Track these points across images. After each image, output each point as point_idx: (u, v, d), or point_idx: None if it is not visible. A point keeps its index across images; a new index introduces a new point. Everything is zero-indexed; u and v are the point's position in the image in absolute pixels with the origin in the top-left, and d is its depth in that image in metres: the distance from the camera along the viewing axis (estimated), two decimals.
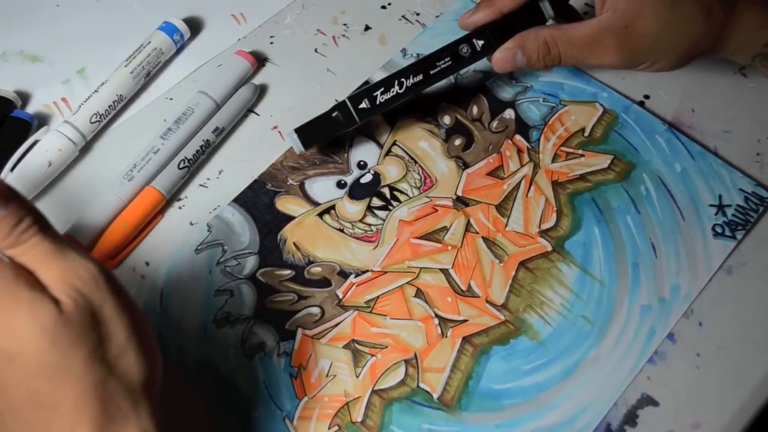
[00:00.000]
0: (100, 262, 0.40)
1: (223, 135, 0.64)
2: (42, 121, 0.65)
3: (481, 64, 0.66)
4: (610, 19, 0.58)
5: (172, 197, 0.62)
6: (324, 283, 0.59)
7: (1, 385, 0.39)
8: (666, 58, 0.59)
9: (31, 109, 0.66)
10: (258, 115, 0.66)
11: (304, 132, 0.61)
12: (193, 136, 0.63)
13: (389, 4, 0.73)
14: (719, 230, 0.61)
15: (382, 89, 0.61)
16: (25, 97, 0.66)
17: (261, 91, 0.67)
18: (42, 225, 0.39)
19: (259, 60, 0.69)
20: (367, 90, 0.61)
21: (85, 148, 0.64)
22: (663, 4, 0.57)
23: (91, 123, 0.63)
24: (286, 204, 0.62)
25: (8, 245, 0.38)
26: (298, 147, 0.61)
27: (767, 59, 0.60)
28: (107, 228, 0.59)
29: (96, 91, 0.64)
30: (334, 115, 0.61)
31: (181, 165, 0.61)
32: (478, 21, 0.61)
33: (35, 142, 0.61)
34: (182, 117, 0.63)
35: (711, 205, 0.62)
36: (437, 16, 0.72)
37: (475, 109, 0.67)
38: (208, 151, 0.63)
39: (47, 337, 0.38)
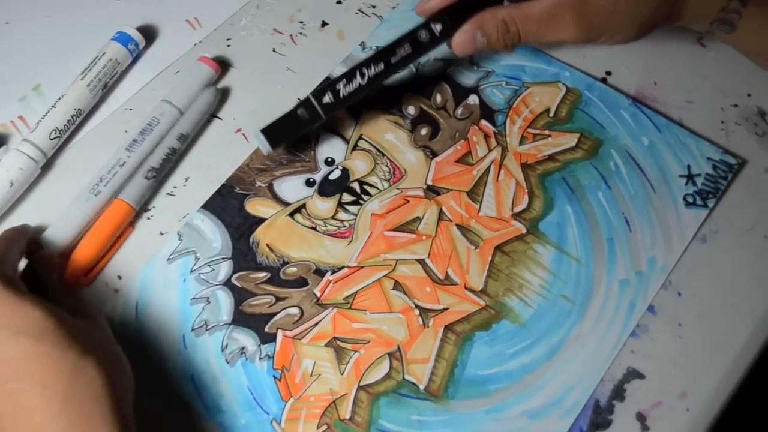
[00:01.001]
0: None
1: (187, 141, 0.63)
2: (0, 141, 0.64)
3: (440, 51, 0.66)
4: None
5: (140, 209, 0.61)
6: (301, 282, 0.58)
7: None
8: (624, 30, 0.59)
9: None
10: (221, 119, 0.66)
11: (270, 132, 0.60)
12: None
13: None
14: (690, 200, 0.62)
15: (344, 81, 0.60)
16: None
17: (222, 94, 0.66)
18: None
19: (221, 64, 0.68)
20: (329, 84, 0.60)
21: (47, 165, 0.62)
22: None
23: (51, 139, 0.61)
24: (256, 206, 0.61)
25: None
26: (266, 147, 0.60)
27: (725, 24, 0.60)
28: (75, 245, 0.58)
29: (53, 106, 0.63)
30: (298, 112, 0.60)
31: (149, 175, 0.60)
32: (434, 6, 0.61)
33: None
34: (147, 128, 0.62)
35: (680, 176, 0.63)
36: (393, 8, 0.72)
37: (438, 98, 0.67)
38: (174, 159, 0.62)
39: (51, 321, 0.43)
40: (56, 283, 0.54)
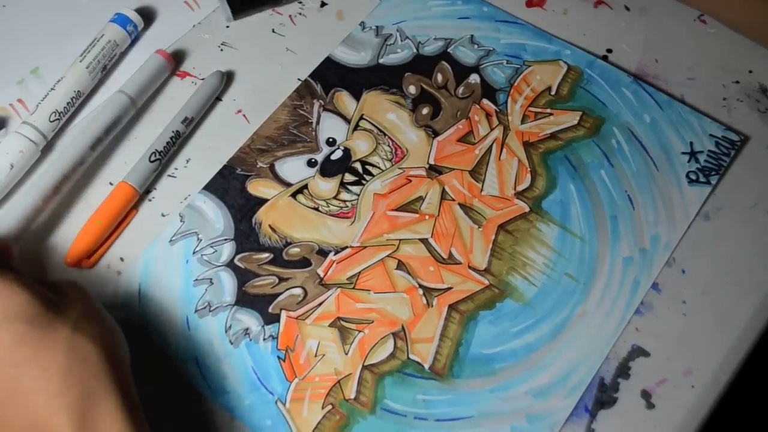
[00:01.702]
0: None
1: (192, 125, 0.62)
2: None
3: (441, 30, 0.66)
4: None
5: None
6: (304, 263, 0.58)
7: None
8: None
9: None
10: (221, 100, 0.65)
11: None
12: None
13: None
14: (693, 177, 0.61)
15: None
16: None
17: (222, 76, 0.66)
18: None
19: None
20: None
21: (47, 148, 0.62)
22: None
23: (51, 122, 0.61)
24: (257, 187, 0.61)
25: None
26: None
27: None
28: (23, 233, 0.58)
29: (52, 89, 0.62)
30: None
31: (152, 158, 0.60)
32: None
33: None
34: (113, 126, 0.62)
35: (683, 153, 0.62)
36: None
37: (439, 77, 0.66)
38: (178, 143, 0.62)
39: (39, 303, 0.43)
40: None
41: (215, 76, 0.64)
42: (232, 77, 0.66)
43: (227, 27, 0.69)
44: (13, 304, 0.42)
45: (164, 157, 0.60)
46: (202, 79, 0.65)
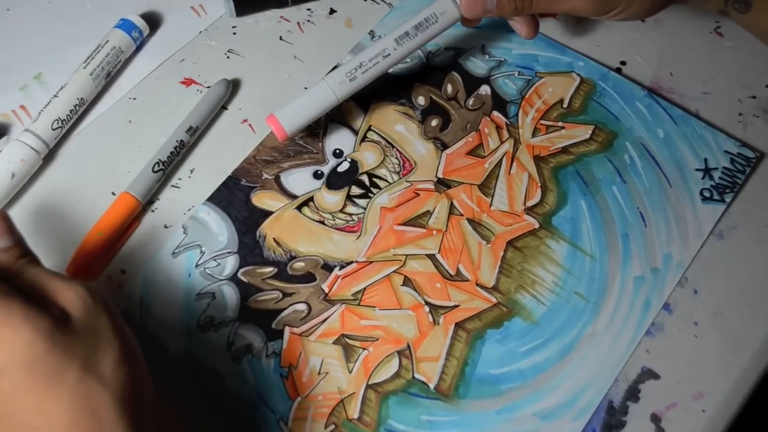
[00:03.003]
0: (92, 286, 0.42)
1: (197, 134, 0.61)
2: (1, 131, 0.62)
3: (452, 40, 0.65)
4: None
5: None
6: (308, 278, 0.57)
7: None
8: (637, 3, 0.57)
9: None
10: (226, 109, 0.64)
11: None
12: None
13: None
14: (707, 194, 0.60)
15: None
16: None
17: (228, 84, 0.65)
18: (34, 256, 0.44)
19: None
20: None
21: (49, 156, 0.61)
22: None
23: (53, 129, 0.60)
24: (262, 199, 0.60)
25: (12, 273, 0.41)
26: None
27: (740, 2, 0.58)
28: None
29: (55, 95, 0.61)
30: None
31: (156, 168, 0.59)
32: None
33: None
34: (423, 24, 0.59)
35: (697, 170, 0.61)
36: None
37: (449, 88, 0.65)
38: (182, 152, 0.61)
39: (42, 343, 0.38)
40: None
41: (221, 85, 0.63)
42: (238, 85, 0.65)
43: (234, 34, 0.68)
44: (13, 346, 0.37)
45: (168, 167, 0.59)
46: (208, 87, 0.64)
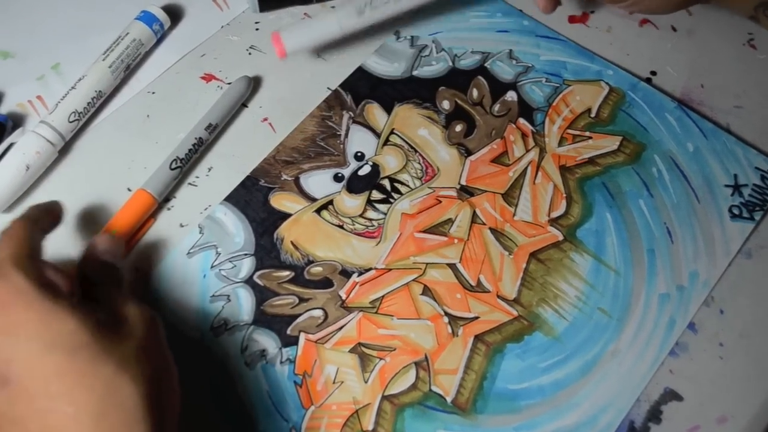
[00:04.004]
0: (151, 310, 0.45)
1: (216, 132, 0.60)
2: (16, 121, 0.61)
3: (479, 44, 0.63)
4: None
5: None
6: (325, 283, 0.56)
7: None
8: None
9: (4, 108, 0.62)
10: (246, 107, 0.63)
11: None
12: None
13: None
14: (736, 212, 0.59)
15: None
16: None
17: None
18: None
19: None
20: None
21: (64, 149, 0.60)
22: None
23: (70, 122, 0.59)
24: (281, 201, 0.59)
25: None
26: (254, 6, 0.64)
27: None
28: None
29: (73, 87, 0.60)
30: None
31: (173, 165, 0.57)
32: None
33: (11, 145, 0.57)
34: None
35: (726, 186, 0.60)
36: None
37: (475, 93, 0.64)
38: (201, 150, 0.59)
39: (86, 334, 0.39)
40: (111, 277, 0.49)
41: (242, 82, 0.62)
42: (259, 83, 0.64)
43: (257, 30, 0.67)
44: (59, 332, 0.39)
45: (185, 165, 0.58)
46: (229, 83, 0.63)
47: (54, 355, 0.38)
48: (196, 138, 0.59)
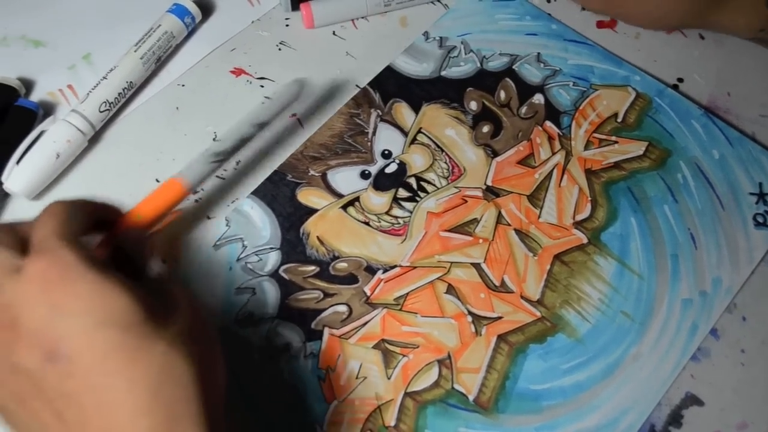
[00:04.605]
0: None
1: (261, 131, 0.58)
2: (47, 109, 0.62)
3: (508, 46, 0.64)
4: None
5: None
6: (350, 279, 0.56)
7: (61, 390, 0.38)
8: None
9: (36, 97, 0.63)
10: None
11: None
12: None
13: None
14: (761, 220, 0.59)
15: None
16: (28, 85, 0.63)
17: (278, 76, 0.64)
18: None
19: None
20: None
21: (94, 138, 0.60)
22: None
23: (101, 112, 0.59)
24: (308, 196, 0.59)
25: None
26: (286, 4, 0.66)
27: None
28: None
29: (104, 77, 0.60)
30: None
31: (213, 159, 0.56)
32: None
33: (41, 133, 0.58)
34: None
35: (751, 194, 0.60)
36: None
37: (502, 94, 0.64)
38: (243, 147, 0.58)
39: (140, 310, 0.38)
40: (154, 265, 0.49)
41: (295, 84, 0.60)
42: (289, 78, 0.64)
43: (287, 26, 0.67)
44: (112, 308, 0.38)
45: (226, 160, 0.57)
46: (259, 78, 0.64)
47: (108, 331, 0.38)
48: (242, 134, 0.58)
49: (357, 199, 0.59)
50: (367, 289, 0.56)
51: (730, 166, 0.61)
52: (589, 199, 0.60)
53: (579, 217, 0.59)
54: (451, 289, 0.56)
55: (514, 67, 0.65)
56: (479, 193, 0.60)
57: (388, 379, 0.53)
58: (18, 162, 0.56)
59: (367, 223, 0.58)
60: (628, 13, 0.57)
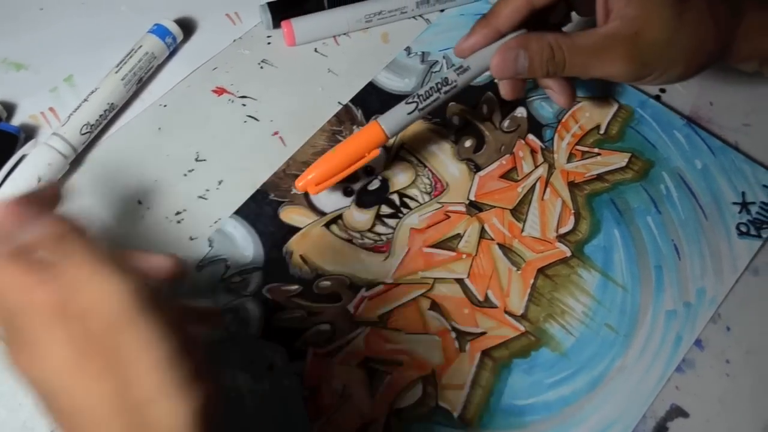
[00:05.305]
0: (137, 283, 0.37)
1: (467, 78, 0.56)
2: (29, 133, 0.62)
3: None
4: (619, 27, 0.53)
5: (170, 211, 0.59)
6: (334, 297, 0.56)
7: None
8: (675, 67, 0.55)
9: (17, 120, 0.63)
10: (257, 120, 0.63)
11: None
12: None
13: None
14: (744, 229, 0.59)
15: None
16: (10, 108, 0.63)
17: (260, 95, 0.64)
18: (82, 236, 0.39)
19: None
20: None
21: (76, 161, 0.60)
22: (671, 10, 0.53)
23: (82, 134, 0.59)
24: (290, 215, 0.59)
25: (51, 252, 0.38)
26: (267, 22, 0.67)
27: None
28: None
29: (86, 99, 0.60)
30: None
31: (410, 101, 0.56)
32: (475, 45, 0.56)
33: (23, 157, 0.58)
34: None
35: (734, 203, 0.60)
36: (441, 11, 0.69)
37: (485, 108, 0.64)
38: (442, 95, 0.56)
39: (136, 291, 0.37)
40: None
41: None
42: (271, 96, 0.64)
43: (268, 44, 0.67)
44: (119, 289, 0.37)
45: (423, 105, 0.56)
46: (241, 97, 0.64)
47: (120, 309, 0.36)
48: (441, 78, 0.56)
49: (340, 216, 0.59)
50: (351, 307, 0.56)
51: (712, 176, 0.61)
52: (572, 211, 0.60)
53: (562, 230, 0.59)
54: (434, 306, 0.56)
55: (496, 80, 0.65)
56: (462, 208, 0.60)
57: (372, 397, 0.53)
58: None
59: (350, 241, 0.58)
60: (662, 75, 0.56)
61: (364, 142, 0.56)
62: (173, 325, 0.38)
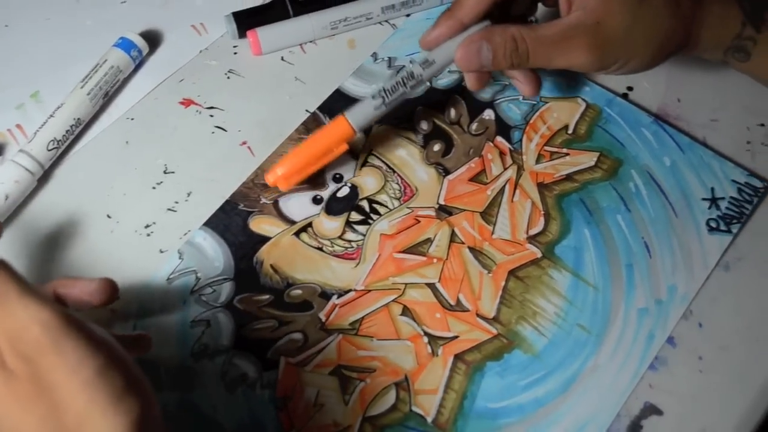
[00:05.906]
0: (57, 309, 0.37)
1: (432, 71, 0.57)
2: None
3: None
4: (581, 17, 0.54)
5: (139, 224, 0.59)
6: (305, 306, 0.56)
7: None
8: (638, 56, 0.55)
9: None
10: (225, 130, 0.63)
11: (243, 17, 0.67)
12: None
13: None
14: (714, 225, 0.59)
15: None
16: None
17: (227, 105, 0.64)
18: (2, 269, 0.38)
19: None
20: None
21: (44, 177, 0.60)
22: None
23: (49, 150, 0.59)
24: (260, 224, 0.59)
25: None
26: (233, 32, 0.67)
27: (739, 51, 0.57)
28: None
29: (52, 115, 0.60)
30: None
31: (377, 96, 0.57)
32: (439, 37, 0.57)
33: None
34: None
35: (704, 199, 0.60)
36: (407, 16, 0.69)
37: (452, 112, 0.64)
38: (408, 88, 0.57)
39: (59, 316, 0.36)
40: None
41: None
42: (239, 106, 0.64)
43: (235, 54, 0.67)
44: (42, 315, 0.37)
45: (389, 99, 0.57)
46: (208, 108, 0.64)
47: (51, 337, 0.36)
48: (407, 72, 0.57)
49: (310, 224, 0.59)
50: (322, 315, 0.56)
51: (681, 173, 0.61)
52: (542, 212, 0.60)
53: (532, 232, 0.59)
54: (406, 311, 0.56)
55: (463, 84, 0.65)
56: (432, 213, 0.60)
57: (346, 405, 0.53)
58: None
59: (320, 249, 0.58)
60: (626, 64, 0.56)
61: (331, 136, 0.57)
62: (97, 342, 0.38)
